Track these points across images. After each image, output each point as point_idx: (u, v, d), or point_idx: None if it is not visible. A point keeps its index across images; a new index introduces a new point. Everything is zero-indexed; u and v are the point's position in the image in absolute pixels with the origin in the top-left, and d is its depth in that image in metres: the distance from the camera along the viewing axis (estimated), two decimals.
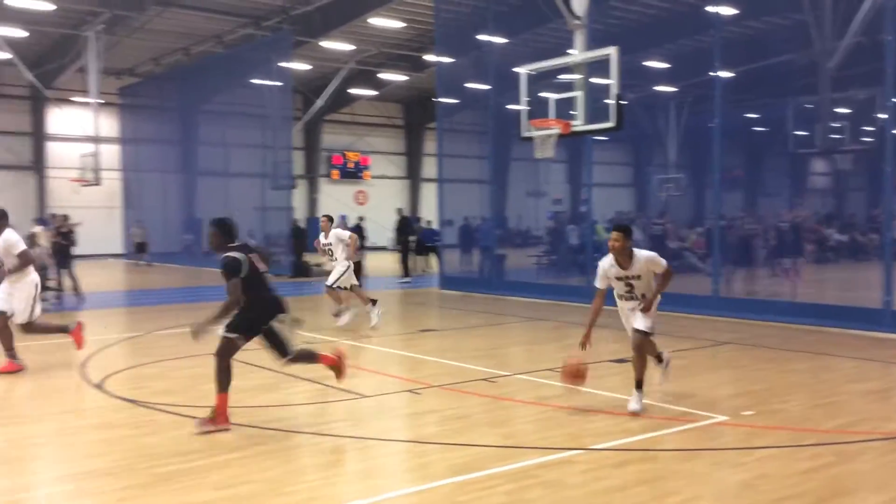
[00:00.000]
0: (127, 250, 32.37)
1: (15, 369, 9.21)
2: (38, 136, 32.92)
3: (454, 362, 9.74)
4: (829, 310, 12.56)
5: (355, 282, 13.16)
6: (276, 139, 24.42)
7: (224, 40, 28.08)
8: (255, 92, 25.38)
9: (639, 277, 7.04)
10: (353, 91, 35.60)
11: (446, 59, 20.33)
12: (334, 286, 12.87)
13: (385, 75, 33.80)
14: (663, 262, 7.06)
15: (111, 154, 31.53)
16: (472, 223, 21.81)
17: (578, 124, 12.10)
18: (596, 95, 12.06)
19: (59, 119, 32.91)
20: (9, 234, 9.10)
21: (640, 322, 7.09)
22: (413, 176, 42.98)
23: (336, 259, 12.87)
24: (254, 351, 10.66)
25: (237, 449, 6.03)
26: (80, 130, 30.88)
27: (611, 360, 9.55)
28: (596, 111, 12.02)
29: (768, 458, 5.80)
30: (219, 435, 6.45)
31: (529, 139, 12.72)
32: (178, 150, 30.92)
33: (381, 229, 33.02)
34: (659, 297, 7.17)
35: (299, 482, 5.38)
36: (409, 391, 8.17)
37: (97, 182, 28.46)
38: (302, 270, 23.14)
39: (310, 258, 24.84)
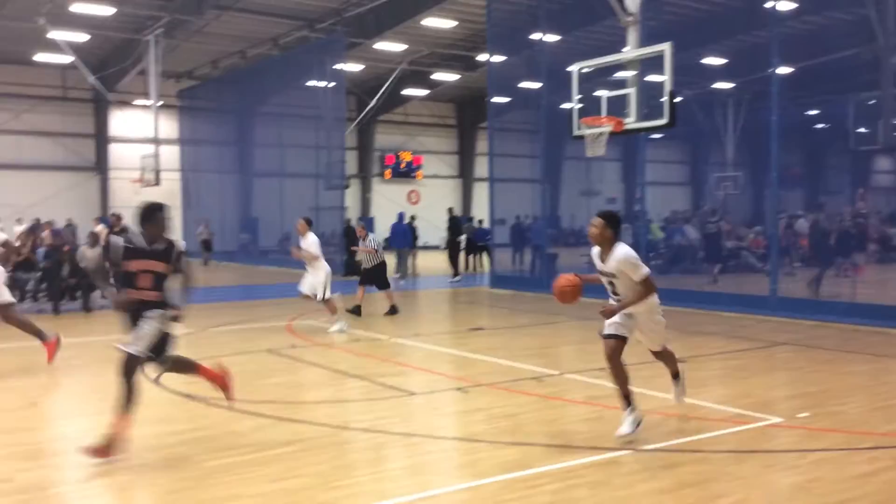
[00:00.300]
0: (191, 249, 32.96)
1: (54, 347, 9.40)
2: (101, 138, 33.85)
3: (504, 361, 9.73)
4: (892, 311, 12.19)
5: (327, 294, 12.54)
6: (330, 140, 24.70)
7: (279, 43, 28.52)
8: (309, 93, 25.70)
9: (615, 276, 6.17)
10: (406, 91, 35.79)
11: (498, 58, 20.30)
12: (326, 298, 12.43)
13: (437, 75, 33.90)
14: (643, 269, 6.10)
15: (170, 155, 32.24)
16: (524, 222, 21.72)
17: (631, 122, 11.98)
18: (650, 92, 11.93)
19: (120, 121, 33.80)
20: None
21: (655, 344, 6.69)
22: (465, 175, 43.04)
23: (311, 266, 12.45)
24: (304, 348, 10.84)
25: (288, 444, 6.13)
26: (141, 132, 31.67)
27: None
28: (650, 108, 11.89)
29: (823, 461, 5.67)
30: (270, 430, 6.56)
31: (581, 137, 12.64)
32: (235, 151, 31.48)
33: (434, 229, 33.13)
34: (629, 309, 6.20)
35: (349, 477, 5.44)
36: (458, 389, 8.19)
37: (157, 182, 29.13)
38: (354, 269, 23.34)
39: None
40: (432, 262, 26.00)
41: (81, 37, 26.30)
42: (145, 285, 5.95)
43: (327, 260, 12.80)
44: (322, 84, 24.85)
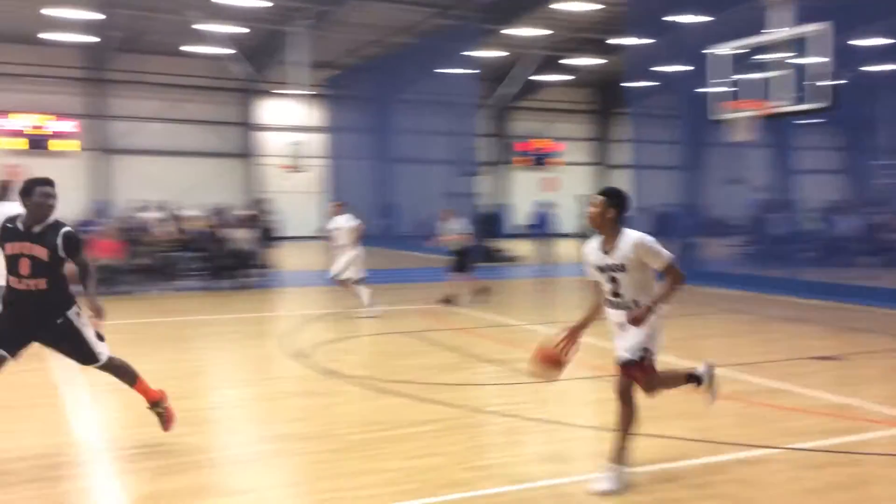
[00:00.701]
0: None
1: None
2: (249, 126, 35.51)
3: None
4: None
5: (355, 276, 12.42)
6: (464, 126, 24.86)
7: (416, 31, 28.90)
8: (444, 81, 25.93)
9: (622, 269, 4.91)
10: (542, 77, 35.46)
11: (638, 41, 19.77)
12: (342, 277, 12.35)
13: (574, 60, 33.38)
14: (664, 253, 4.88)
15: (314, 142, 33.40)
16: (666, 210, 21.09)
17: (782, 105, 11.41)
18: (799, 75, 11.30)
19: (267, 109, 35.34)
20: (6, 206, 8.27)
21: (631, 347, 4.95)
22: (603, 162, 42.32)
23: (341, 246, 12.38)
24: (439, 331, 10.98)
25: (423, 423, 6.22)
26: (286, 120, 32.93)
27: (814, 357, 8.94)
28: (801, 91, 11.27)
29: None
30: (406, 409, 6.67)
31: (724, 122, 12.16)
32: (375, 138, 32.22)
33: (571, 216, 32.73)
34: (659, 308, 4.88)
35: (483, 458, 5.47)
36: (596, 377, 8.06)
37: (302, 169, 30.27)
38: (487, 256, 23.55)
39: (496, 244, 25.22)
40: (569, 250, 25.72)
41: (232, 29, 27.61)
42: (25, 272, 5.15)
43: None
44: (456, 71, 25.02)
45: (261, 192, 32.91)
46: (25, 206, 5.20)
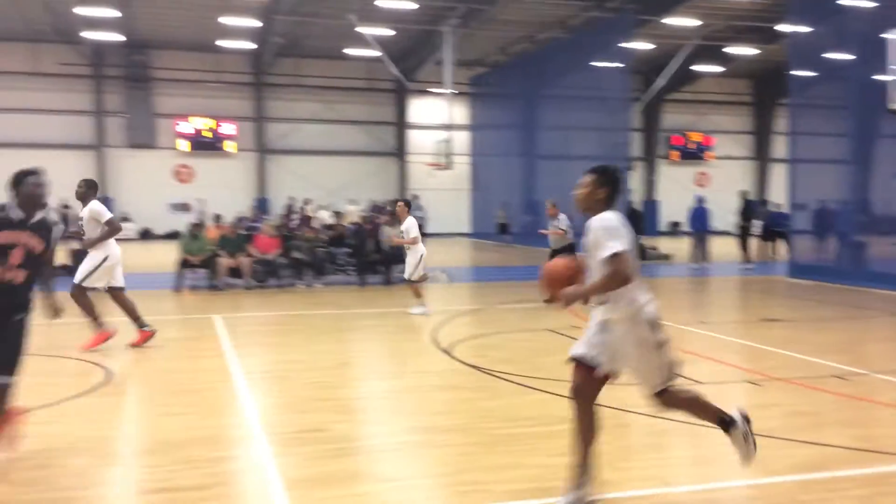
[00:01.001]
0: (486, 231, 34.29)
1: (105, 338, 9.01)
2: (400, 125, 36.38)
3: (800, 355, 9.02)
4: None
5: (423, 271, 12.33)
6: (614, 121, 24.39)
7: (567, 25, 28.60)
8: (594, 74, 25.53)
9: (587, 255, 4.38)
10: (697, 68, 34.26)
11: (802, 28, 18.71)
12: (412, 279, 12.19)
13: (732, 49, 32.04)
14: (611, 245, 4.13)
15: (461, 140, 33.80)
16: (829, 207, 19.88)
17: None
18: None
19: (417, 108, 36.07)
20: (95, 204, 8.75)
21: (646, 382, 4.51)
22: (761, 156, 40.36)
23: (409, 248, 12.19)
24: (583, 329, 10.84)
25: (569, 421, 6.16)
26: (436, 119, 33.54)
27: None
28: None
29: None
30: (552, 405, 6.64)
31: None
32: (521, 134, 32.19)
33: (724, 213, 31.52)
34: (606, 312, 4.38)
35: (630, 460, 5.38)
36: (749, 382, 7.74)
37: (450, 166, 30.70)
38: (638, 253, 23.03)
39: (648, 241, 24.61)
40: (723, 248, 24.78)
41: (386, 31, 28.37)
42: (15, 263, 5.06)
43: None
44: (608, 64, 24.57)
45: (409, 190, 33.71)
46: (15, 196, 5.17)
